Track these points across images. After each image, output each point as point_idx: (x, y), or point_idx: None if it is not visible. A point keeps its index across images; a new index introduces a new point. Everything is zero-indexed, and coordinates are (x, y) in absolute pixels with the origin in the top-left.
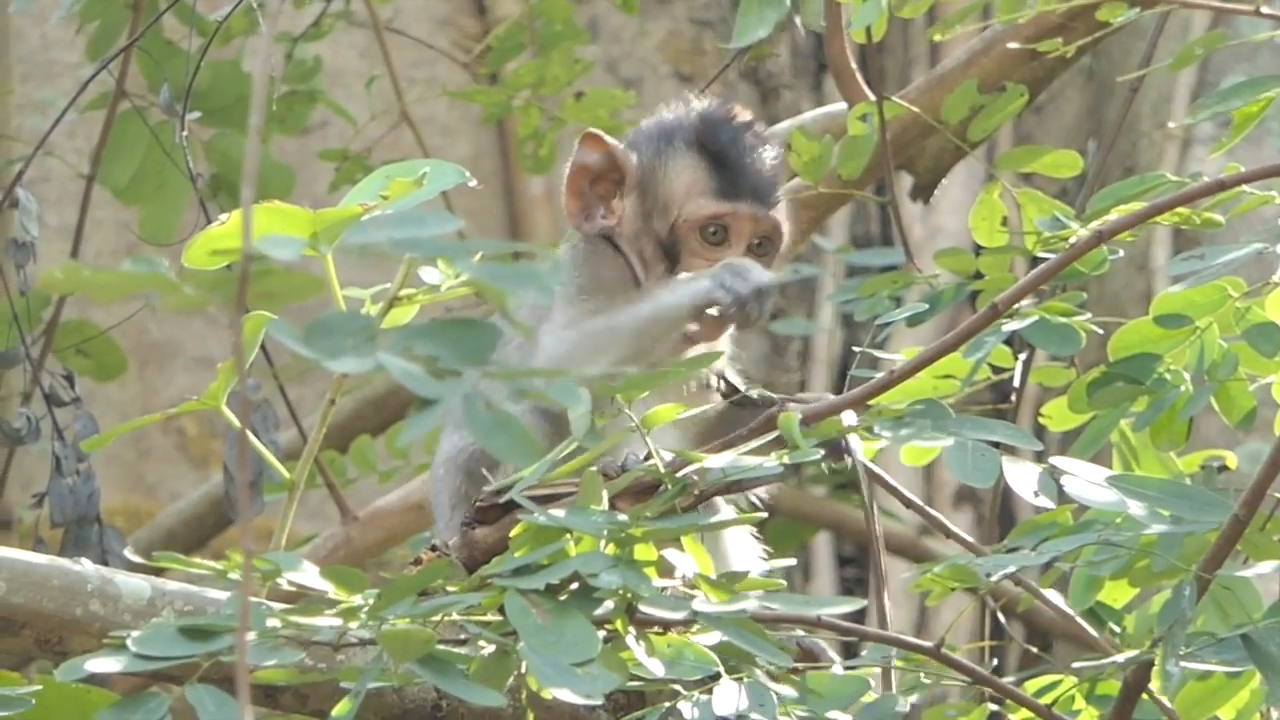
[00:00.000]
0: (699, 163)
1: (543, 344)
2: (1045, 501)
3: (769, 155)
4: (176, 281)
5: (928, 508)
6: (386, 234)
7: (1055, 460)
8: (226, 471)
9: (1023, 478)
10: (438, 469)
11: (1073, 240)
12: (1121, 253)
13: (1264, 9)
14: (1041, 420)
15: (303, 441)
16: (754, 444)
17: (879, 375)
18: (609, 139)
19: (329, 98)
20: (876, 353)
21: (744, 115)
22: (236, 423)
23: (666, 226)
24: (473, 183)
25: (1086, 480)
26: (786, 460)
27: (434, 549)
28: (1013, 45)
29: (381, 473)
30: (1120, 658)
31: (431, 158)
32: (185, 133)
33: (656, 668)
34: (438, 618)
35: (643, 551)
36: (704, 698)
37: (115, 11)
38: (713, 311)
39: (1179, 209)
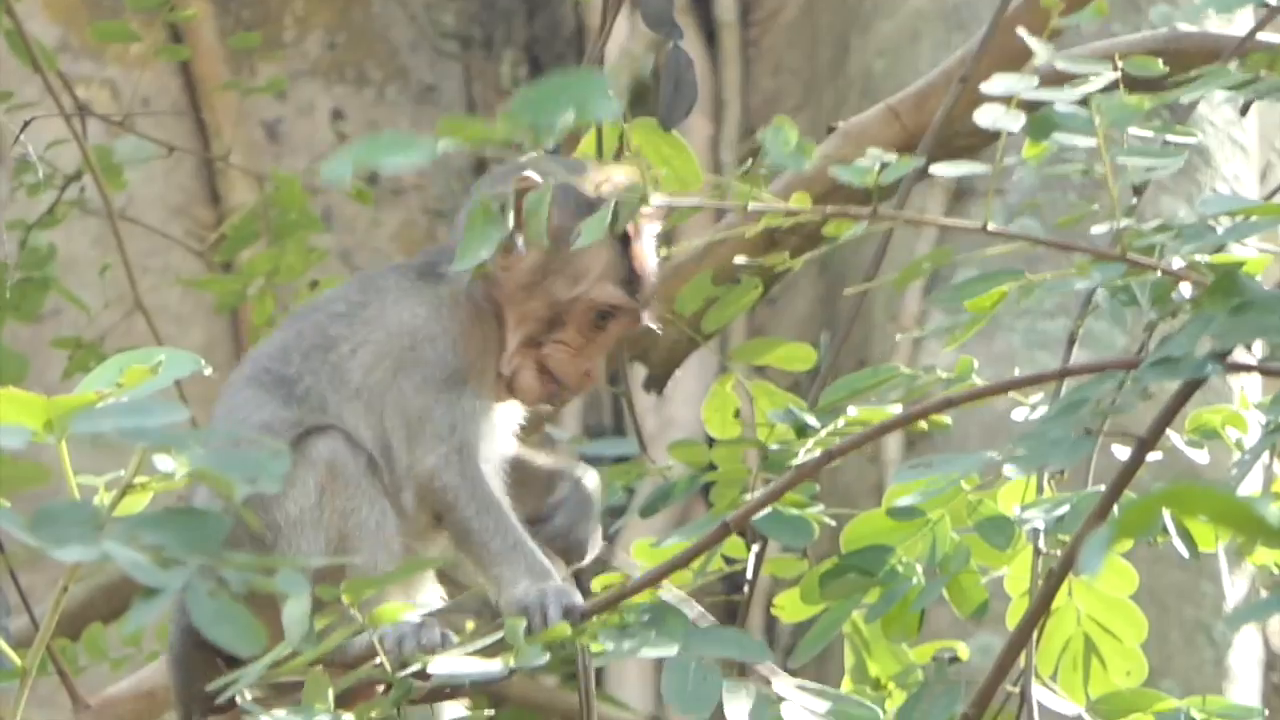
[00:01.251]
0: (618, 247)
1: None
2: None
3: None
4: None
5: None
6: (113, 423)
7: (778, 686)
8: None
9: (740, 708)
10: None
11: (802, 453)
12: None
13: (990, 226)
14: (774, 612)
15: (34, 629)
16: (480, 644)
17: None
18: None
19: (62, 285)
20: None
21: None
22: None
23: (569, 294)
24: (208, 371)
25: (805, 709)
26: (513, 664)
27: None
28: (740, 260)
29: (113, 660)
30: None
31: (165, 346)
32: None
33: None
34: None
35: None
36: None
37: None
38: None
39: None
